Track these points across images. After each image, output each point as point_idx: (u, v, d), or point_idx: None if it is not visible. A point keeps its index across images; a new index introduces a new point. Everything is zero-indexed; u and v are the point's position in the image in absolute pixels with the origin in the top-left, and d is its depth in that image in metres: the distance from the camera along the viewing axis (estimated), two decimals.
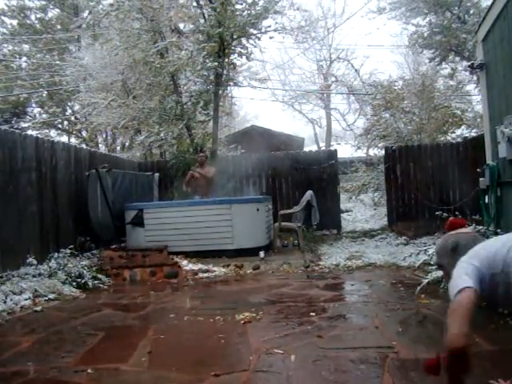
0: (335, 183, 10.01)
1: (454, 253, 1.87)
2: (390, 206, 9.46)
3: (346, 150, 14.47)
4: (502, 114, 4.68)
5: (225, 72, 9.45)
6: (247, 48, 9.39)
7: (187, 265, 6.24)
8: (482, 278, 1.66)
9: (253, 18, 8.99)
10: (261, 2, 9.09)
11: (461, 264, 1.73)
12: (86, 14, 17.64)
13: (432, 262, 4.02)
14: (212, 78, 9.27)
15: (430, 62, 12.45)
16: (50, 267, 5.55)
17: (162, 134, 10.15)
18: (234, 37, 9.16)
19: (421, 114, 11.38)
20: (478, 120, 11.15)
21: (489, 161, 5.15)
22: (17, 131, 6.29)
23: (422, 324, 3.39)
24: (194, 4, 9.63)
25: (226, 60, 9.37)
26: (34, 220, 6.09)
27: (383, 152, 10.16)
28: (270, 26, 9.64)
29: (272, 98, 25.66)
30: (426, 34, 11.89)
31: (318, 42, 22.12)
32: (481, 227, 4.33)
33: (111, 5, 9.47)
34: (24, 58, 18.25)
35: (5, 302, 4.45)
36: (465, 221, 2.07)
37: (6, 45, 17.99)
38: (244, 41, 9.32)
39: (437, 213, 6.51)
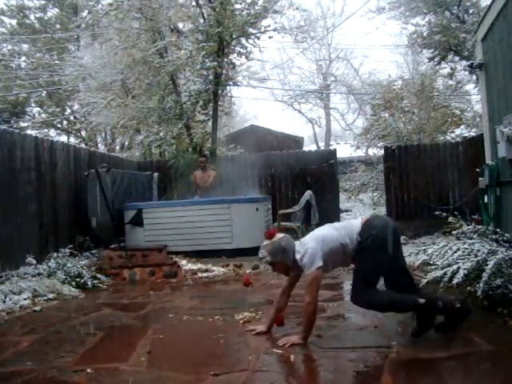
0: (334, 183, 10.02)
1: (283, 252, 3.03)
2: (390, 206, 9.47)
3: (345, 150, 14.48)
4: (501, 114, 4.67)
5: (224, 72, 9.44)
6: (246, 48, 9.38)
7: (186, 264, 6.24)
8: (324, 255, 2.94)
9: (252, 18, 8.99)
10: (260, 2, 9.08)
11: (311, 250, 2.93)
12: (85, 13, 17.62)
13: (431, 262, 4.01)
14: (211, 77, 9.26)
15: (429, 61, 12.42)
16: (49, 267, 5.55)
17: (161, 134, 10.15)
18: (234, 36, 9.16)
19: (420, 113, 11.39)
20: (478, 119, 11.17)
21: (488, 160, 5.15)
22: (16, 131, 6.29)
23: None
24: (194, 4, 9.61)
25: (226, 59, 9.37)
26: (34, 220, 6.08)
27: (382, 152, 10.17)
28: (269, 26, 9.64)
29: (271, 97, 25.72)
30: (425, 34, 11.87)
31: (317, 42, 22.16)
32: (480, 227, 4.32)
33: (110, 4, 9.44)
34: (23, 58, 18.23)
35: (4, 302, 4.45)
36: (276, 230, 3.27)
37: (5, 44, 17.97)
38: (243, 40, 9.31)
39: (436, 213, 6.51)
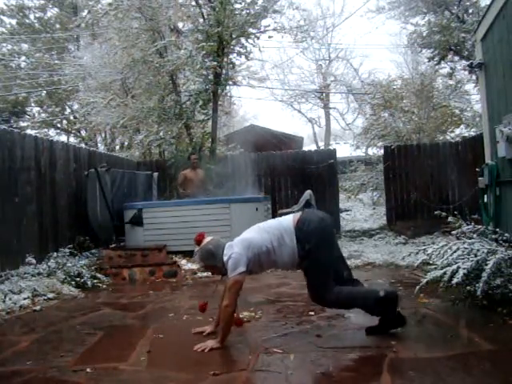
0: (334, 182, 10.01)
1: (213, 255, 3.12)
2: (389, 206, 9.47)
3: (345, 150, 14.47)
4: (500, 114, 4.67)
5: (224, 71, 9.43)
6: (246, 47, 9.37)
7: (186, 264, 6.24)
8: (249, 261, 3.04)
9: (252, 18, 8.98)
10: (260, 1, 9.07)
11: (236, 255, 3.00)
12: (84, 13, 17.58)
13: (431, 262, 4.02)
14: (211, 77, 9.25)
15: (428, 61, 12.41)
16: (48, 266, 5.55)
17: (161, 134, 10.14)
18: (233, 36, 9.14)
19: (420, 113, 11.39)
20: (477, 119, 11.14)
21: (488, 160, 5.15)
22: (16, 130, 6.29)
23: (421, 323, 3.39)
24: (193, 3, 9.61)
25: (225, 59, 9.35)
26: (33, 219, 6.08)
27: (382, 151, 10.17)
28: (269, 26, 9.63)
29: (271, 97, 25.70)
30: (424, 34, 11.85)
31: (317, 42, 22.08)
32: (480, 226, 4.32)
33: (110, 4, 9.43)
34: (23, 58, 18.22)
35: (4, 302, 4.45)
36: (204, 233, 3.24)
37: (5, 44, 17.96)
38: (243, 40, 9.30)
39: (436, 212, 6.51)
